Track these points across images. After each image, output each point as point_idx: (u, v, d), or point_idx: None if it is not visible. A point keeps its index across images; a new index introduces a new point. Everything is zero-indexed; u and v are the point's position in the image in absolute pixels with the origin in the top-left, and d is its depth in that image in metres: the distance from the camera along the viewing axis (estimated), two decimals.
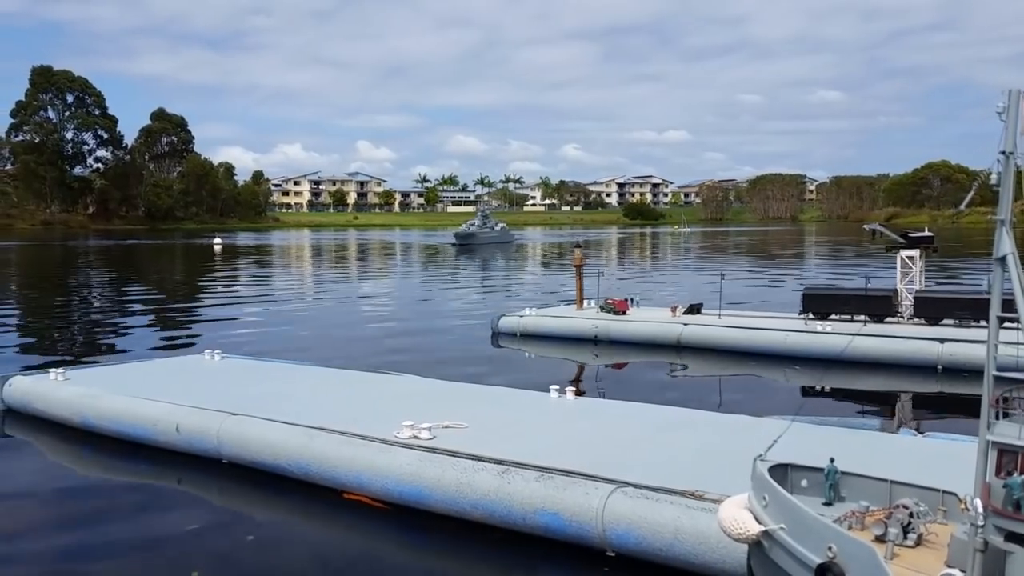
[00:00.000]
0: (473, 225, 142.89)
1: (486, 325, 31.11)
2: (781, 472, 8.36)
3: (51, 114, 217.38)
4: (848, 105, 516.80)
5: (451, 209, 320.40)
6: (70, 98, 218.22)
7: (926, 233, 27.80)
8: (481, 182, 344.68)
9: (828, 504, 8.25)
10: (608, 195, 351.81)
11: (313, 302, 46.13)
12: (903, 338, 23.23)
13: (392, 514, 11.89)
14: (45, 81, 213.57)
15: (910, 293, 26.25)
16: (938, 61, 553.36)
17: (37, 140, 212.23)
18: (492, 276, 63.94)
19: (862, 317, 26.05)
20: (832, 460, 8.40)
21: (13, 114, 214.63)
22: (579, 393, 16.23)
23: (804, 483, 8.54)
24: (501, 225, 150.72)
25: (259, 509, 12.67)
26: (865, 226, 30.58)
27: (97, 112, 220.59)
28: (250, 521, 12.08)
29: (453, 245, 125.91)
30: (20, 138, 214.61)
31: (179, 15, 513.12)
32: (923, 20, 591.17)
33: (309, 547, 11.18)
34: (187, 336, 31.82)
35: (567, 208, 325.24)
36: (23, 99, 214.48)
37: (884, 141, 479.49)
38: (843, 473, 8.41)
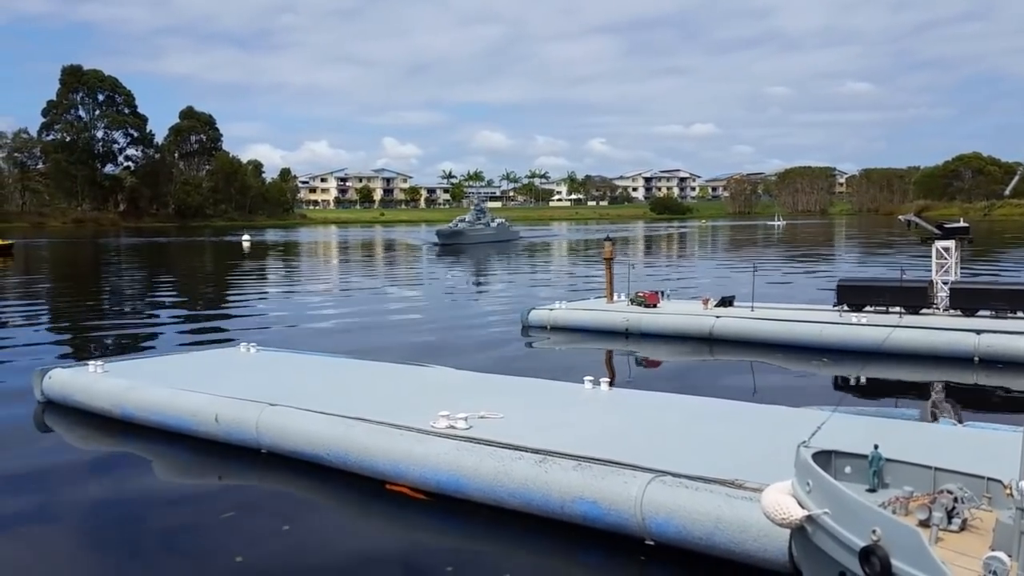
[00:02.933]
0: (463, 221, 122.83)
1: (514, 318, 31.12)
2: (825, 458, 8.32)
3: (82, 113, 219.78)
4: (877, 97, 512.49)
5: None
6: (100, 97, 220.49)
7: (961, 224, 27.52)
8: (507, 177, 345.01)
9: (872, 490, 8.21)
10: (634, 189, 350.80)
11: (341, 296, 46.42)
12: (939, 329, 22.95)
13: (430, 503, 11.95)
14: (75, 80, 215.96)
15: (945, 284, 25.96)
16: (968, 52, 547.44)
17: (68, 139, 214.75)
18: (496, 275, 63.92)
19: (897, 309, 25.78)
20: (876, 447, 8.34)
21: (44, 113, 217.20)
22: (612, 384, 16.15)
23: (848, 470, 8.50)
24: (499, 221, 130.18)
25: (298, 497, 12.81)
26: (900, 217, 30.28)
27: (127, 111, 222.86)
28: (289, 509, 12.21)
29: (435, 245, 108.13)
30: (51, 137, 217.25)
31: (206, 15, 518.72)
32: (953, 11, 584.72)
33: (347, 534, 11.30)
34: (218, 330, 32.13)
35: (593, 203, 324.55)
36: (54, 98, 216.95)
37: (914, 133, 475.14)
38: (887, 460, 8.35)
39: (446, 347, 26.18)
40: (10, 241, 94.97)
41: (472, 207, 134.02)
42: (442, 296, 46.03)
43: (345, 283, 55.61)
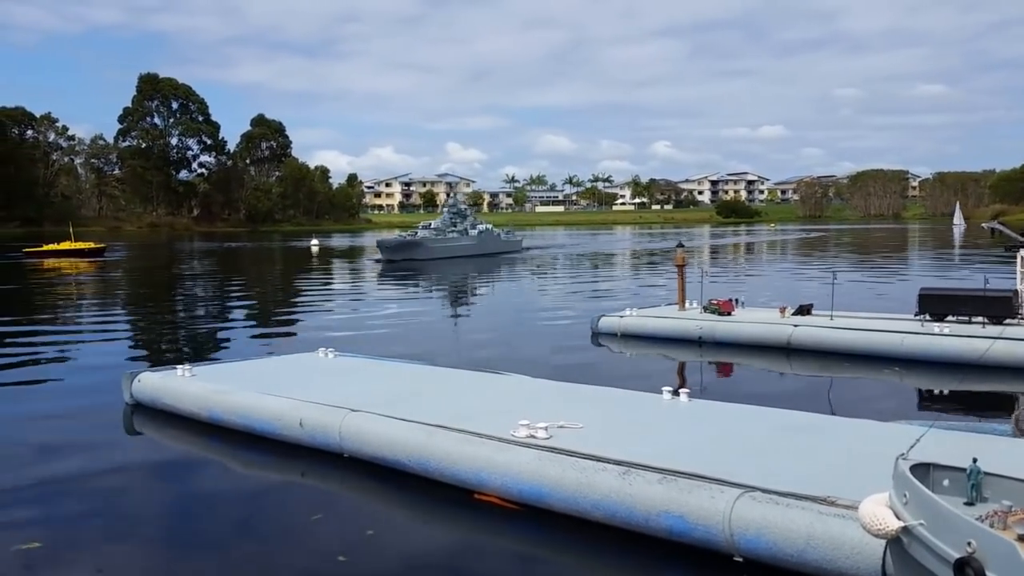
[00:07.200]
0: (428, 227, 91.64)
1: (583, 325, 31.02)
2: (923, 471, 8.18)
3: (157, 120, 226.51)
4: (950, 98, 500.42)
5: (539, 209, 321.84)
6: (175, 105, 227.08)
7: None
8: (570, 181, 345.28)
9: (970, 504, 8.04)
10: (700, 193, 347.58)
11: (406, 302, 46.96)
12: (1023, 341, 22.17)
13: (514, 512, 12.02)
14: (151, 88, 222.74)
15: None
16: None
17: (144, 146, 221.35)
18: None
19: (980, 319, 25.01)
20: (975, 460, 8.17)
21: (121, 120, 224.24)
22: (691, 395, 15.99)
23: (946, 483, 8.34)
24: (483, 227, 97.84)
25: (382, 503, 13.05)
26: (984, 224, 29.51)
27: (200, 119, 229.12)
28: (374, 514, 12.46)
29: (377, 261, 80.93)
30: (127, 143, 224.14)
31: (275, 25, 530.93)
32: None
33: (431, 540, 11.43)
34: (291, 334, 32.75)
35: (657, 207, 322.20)
36: (130, 106, 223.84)
37: (989, 135, 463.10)
38: (986, 474, 8.18)
39: (515, 353, 26.22)
40: (103, 244, 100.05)
41: (445, 208, 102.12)
42: (507, 299, 46.22)
43: (409, 287, 56.18)
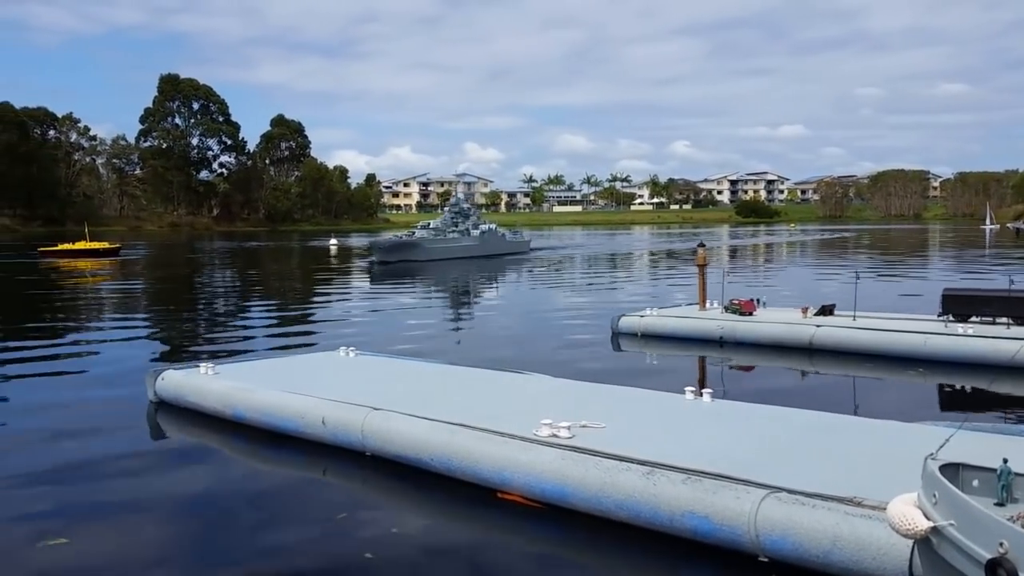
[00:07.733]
0: (427, 227, 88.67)
1: (602, 325, 30.92)
2: (952, 471, 8.12)
3: (178, 121, 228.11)
4: (972, 98, 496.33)
5: (557, 209, 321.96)
6: (195, 105, 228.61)
7: None
8: (588, 181, 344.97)
9: (1000, 504, 7.97)
10: (719, 192, 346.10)
11: (422, 301, 47.00)
12: None
13: (538, 511, 12.00)
14: (172, 89, 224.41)
15: None
16: None
17: (165, 146, 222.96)
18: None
19: (1005, 320, 24.76)
20: (1005, 460, 8.10)
21: (142, 120, 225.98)
22: (713, 395, 15.92)
23: (975, 483, 8.27)
24: (485, 227, 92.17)
25: (404, 501, 13.07)
26: (1009, 225, 29.26)
27: (221, 119, 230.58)
28: (398, 512, 12.48)
29: (371, 263, 77.60)
30: (148, 144, 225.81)
31: (294, 26, 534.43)
32: None
33: (455, 539, 11.44)
34: (310, 333, 32.82)
35: (676, 207, 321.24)
36: (151, 106, 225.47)
37: (1011, 135, 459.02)
38: (1016, 474, 8.11)
39: (536, 352, 26.18)
40: (118, 244, 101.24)
41: (446, 208, 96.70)
42: (523, 299, 46.18)
43: (425, 285, 56.25)
